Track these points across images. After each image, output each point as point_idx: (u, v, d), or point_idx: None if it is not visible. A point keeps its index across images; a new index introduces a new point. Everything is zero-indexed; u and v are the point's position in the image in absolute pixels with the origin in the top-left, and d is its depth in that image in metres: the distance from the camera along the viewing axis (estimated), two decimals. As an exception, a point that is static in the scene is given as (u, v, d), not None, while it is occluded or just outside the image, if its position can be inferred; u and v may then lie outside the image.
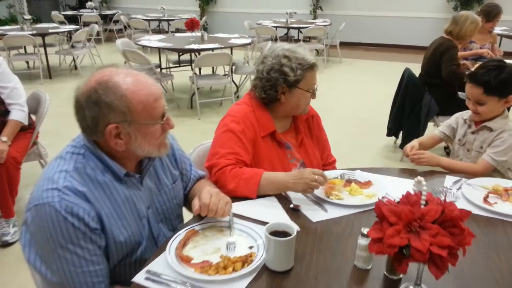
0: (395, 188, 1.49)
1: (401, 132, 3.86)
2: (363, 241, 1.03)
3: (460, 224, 0.84)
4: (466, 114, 1.88)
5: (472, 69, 1.85)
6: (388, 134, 3.95)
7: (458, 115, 1.94)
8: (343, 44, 8.74)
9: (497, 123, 1.73)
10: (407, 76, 3.60)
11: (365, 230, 1.01)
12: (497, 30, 5.07)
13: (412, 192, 0.92)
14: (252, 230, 1.19)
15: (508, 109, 1.97)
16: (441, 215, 0.84)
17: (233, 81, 5.66)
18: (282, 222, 1.08)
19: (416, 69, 3.77)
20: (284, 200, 1.42)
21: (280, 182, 1.41)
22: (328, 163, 1.86)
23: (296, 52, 1.56)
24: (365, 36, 9.71)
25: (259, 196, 1.41)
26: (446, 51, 3.41)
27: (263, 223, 1.14)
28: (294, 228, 1.07)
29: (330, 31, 8.30)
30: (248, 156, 1.53)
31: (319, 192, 1.41)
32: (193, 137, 4.23)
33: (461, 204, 1.34)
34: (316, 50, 8.41)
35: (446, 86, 3.54)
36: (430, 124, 3.67)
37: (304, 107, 1.65)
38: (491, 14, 4.07)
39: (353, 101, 5.61)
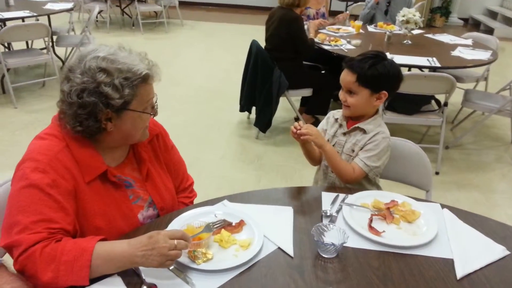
0: (273, 224, 1.21)
1: (254, 108, 3.69)
2: None
3: None
4: (338, 113, 1.68)
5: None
6: (241, 110, 3.75)
7: (330, 113, 1.72)
8: (183, 4, 8.17)
9: (370, 125, 1.57)
10: (255, 50, 3.38)
11: None
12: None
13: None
14: None
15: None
16: None
17: (56, 55, 4.70)
18: None
19: (259, 34, 3.55)
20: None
21: (123, 258, 0.98)
22: (184, 189, 1.48)
23: (117, 60, 1.09)
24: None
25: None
26: (293, 22, 3.27)
27: None
28: None
29: (167, -10, 7.64)
30: (68, 218, 1.05)
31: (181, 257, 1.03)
32: (8, 135, 3.32)
33: (349, 240, 1.12)
34: (154, 12, 7.72)
35: (295, 59, 3.45)
36: (282, 99, 3.58)
37: (142, 133, 1.20)
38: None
39: (201, 72, 5.25)
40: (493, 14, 8.45)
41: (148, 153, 1.31)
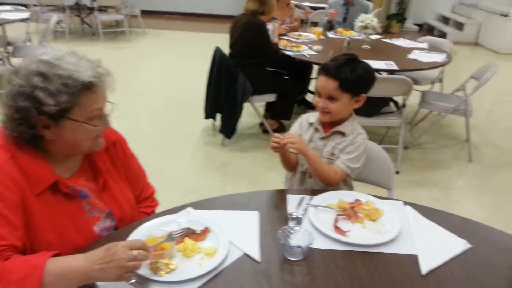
0: (239, 229, 1.19)
1: (219, 114, 3.67)
2: None
3: None
4: (311, 117, 1.63)
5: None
6: (206, 117, 3.72)
7: (302, 118, 1.67)
8: (145, 13, 8.06)
9: (348, 127, 1.57)
10: (218, 57, 3.36)
11: None
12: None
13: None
14: None
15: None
16: None
17: (12, 66, 4.49)
18: None
19: (223, 42, 3.55)
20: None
21: (79, 273, 0.93)
22: (145, 198, 1.43)
23: (60, 66, 1.03)
24: (169, 4, 9.18)
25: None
26: (258, 29, 3.29)
27: None
28: None
29: (128, -1, 7.54)
30: (16, 234, 0.98)
31: (142, 269, 0.99)
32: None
33: (315, 241, 1.12)
34: (115, 21, 7.57)
35: (258, 65, 3.46)
36: (246, 105, 3.57)
37: (90, 144, 1.13)
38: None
39: (166, 81, 5.17)
40: (445, 20, 8.85)
41: (104, 162, 1.26)
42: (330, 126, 1.58)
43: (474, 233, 1.21)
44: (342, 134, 1.56)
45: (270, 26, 3.61)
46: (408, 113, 4.06)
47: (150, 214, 1.41)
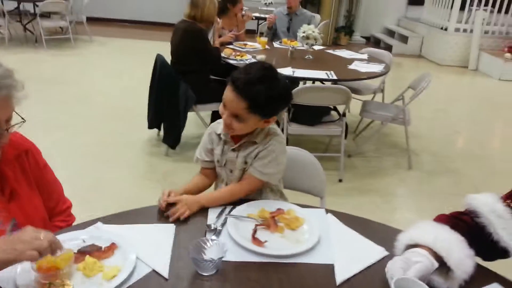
0: (151, 244, 1.12)
1: (163, 124, 3.57)
2: None
3: None
4: (218, 127, 1.46)
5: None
6: (150, 127, 3.61)
7: (210, 129, 1.50)
8: (92, 20, 7.81)
9: (260, 136, 1.43)
10: (159, 64, 3.28)
11: None
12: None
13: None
14: None
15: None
16: None
17: None
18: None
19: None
20: None
21: None
22: (60, 212, 1.33)
23: None
24: (117, 11, 8.96)
25: None
26: (197, 35, 3.24)
27: None
28: None
29: (74, 5, 7.28)
30: None
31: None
32: None
33: (228, 254, 1.07)
34: (60, 27, 7.28)
35: (200, 72, 3.41)
36: (191, 114, 3.50)
37: None
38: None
39: (111, 88, 5.01)
40: (391, 33, 9.23)
41: (14, 171, 1.17)
42: (239, 137, 1.43)
43: (393, 240, 1.20)
44: (254, 143, 1.42)
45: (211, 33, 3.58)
46: (352, 122, 4.15)
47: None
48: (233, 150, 1.45)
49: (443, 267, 1.01)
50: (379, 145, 3.98)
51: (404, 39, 8.60)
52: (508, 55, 6.93)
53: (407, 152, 3.79)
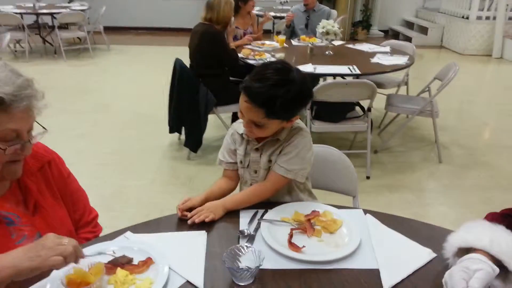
0: (183, 253, 1.06)
1: (184, 128, 3.54)
2: None
3: None
4: (239, 126, 1.40)
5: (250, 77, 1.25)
6: (171, 131, 3.59)
7: (232, 129, 1.44)
8: (109, 29, 7.91)
9: (285, 133, 1.36)
10: (179, 69, 3.25)
11: None
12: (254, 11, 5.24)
13: None
14: None
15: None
16: None
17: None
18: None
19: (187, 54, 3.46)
20: None
21: (6, 269, 0.85)
22: (87, 223, 1.29)
23: None
24: (133, 19, 9.04)
25: None
26: (215, 38, 3.20)
27: None
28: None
29: (91, 15, 7.39)
30: None
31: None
32: None
33: (264, 261, 1.00)
34: (78, 38, 7.37)
35: (220, 75, 3.37)
36: (211, 116, 3.46)
37: (6, 168, 1.01)
38: (246, -3, 4.09)
39: (130, 95, 5.03)
40: (409, 25, 9.02)
41: (37, 183, 1.14)
42: (262, 136, 1.36)
43: (438, 240, 1.12)
44: (277, 140, 1.35)
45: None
46: (377, 117, 4.04)
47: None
48: (257, 149, 1.38)
49: (501, 270, 0.92)
50: (406, 140, 3.85)
51: (423, 30, 8.39)
52: (534, 40, 6.67)
53: (435, 145, 3.66)
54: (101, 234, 1.18)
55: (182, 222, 1.22)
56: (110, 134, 3.89)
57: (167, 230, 1.18)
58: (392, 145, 3.72)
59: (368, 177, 3.12)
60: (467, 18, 7.46)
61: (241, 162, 1.42)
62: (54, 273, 0.96)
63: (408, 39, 8.15)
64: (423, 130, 4.05)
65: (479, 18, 7.34)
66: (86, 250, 1.03)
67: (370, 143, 3.13)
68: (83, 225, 1.30)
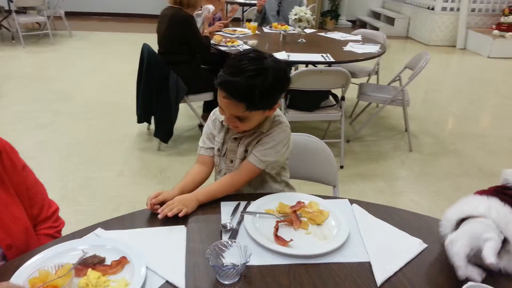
0: (162, 250, 0.98)
1: (153, 117, 3.40)
2: None
3: None
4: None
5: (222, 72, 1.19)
6: (139, 121, 3.43)
7: (214, 115, 1.39)
8: (71, 15, 7.52)
9: (267, 126, 1.32)
10: (146, 54, 3.09)
11: None
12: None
13: None
14: None
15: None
16: None
17: None
18: None
19: (155, 41, 3.31)
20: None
21: None
22: (46, 218, 1.18)
23: None
24: (96, 4, 8.65)
25: None
26: (185, 22, 3.06)
27: None
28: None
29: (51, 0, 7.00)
30: None
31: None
32: None
33: (252, 258, 0.93)
34: (37, 23, 6.97)
35: (190, 61, 3.25)
36: (183, 106, 3.34)
37: None
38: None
39: (95, 83, 4.79)
40: (377, 15, 9.12)
41: None
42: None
43: (428, 230, 1.09)
44: (260, 132, 1.31)
45: (199, 18, 3.40)
46: (347, 107, 4.04)
47: (56, 236, 1.19)
48: (235, 139, 1.35)
49: None
50: (377, 129, 3.88)
51: (390, 21, 8.51)
52: (496, 32, 6.89)
53: (405, 134, 3.71)
54: (68, 231, 1.07)
55: (156, 217, 1.13)
56: (73, 124, 3.69)
57: (142, 225, 1.09)
58: (364, 134, 3.73)
59: (342, 167, 3.11)
60: (433, 9, 7.61)
61: (218, 150, 1.37)
62: (15, 277, 0.86)
63: (375, 29, 8.22)
64: (393, 120, 4.09)
65: (444, 9, 7.50)
66: (52, 250, 0.93)
67: (344, 132, 3.12)
68: (42, 221, 1.19)
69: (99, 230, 1.04)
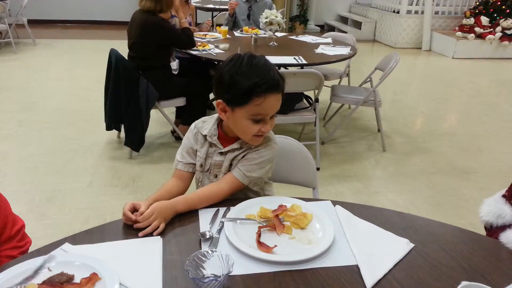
0: (136, 265, 0.91)
1: (123, 125, 3.28)
2: None
3: None
4: (203, 126, 1.32)
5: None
6: (108, 129, 3.31)
7: (195, 128, 1.34)
8: (34, 23, 7.26)
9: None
10: (115, 60, 2.99)
11: None
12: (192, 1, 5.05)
13: None
14: None
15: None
16: None
17: None
18: None
19: (123, 47, 3.21)
20: None
21: None
22: (10, 237, 1.08)
23: None
24: (60, 12, 8.39)
25: None
26: (158, 28, 2.97)
27: None
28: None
29: (12, 7, 6.71)
30: None
31: None
32: None
33: (235, 268, 0.88)
34: (-2, 31, 6.69)
35: (162, 67, 3.16)
36: (154, 112, 3.25)
37: None
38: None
39: (60, 92, 4.62)
40: (344, 20, 9.27)
41: None
42: (231, 139, 1.29)
43: (413, 229, 1.07)
44: (245, 145, 1.28)
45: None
46: (320, 109, 4.03)
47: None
48: (221, 153, 1.29)
49: None
50: (350, 130, 3.90)
51: (357, 24, 8.65)
52: (459, 33, 7.12)
53: (378, 134, 3.74)
54: (33, 247, 0.98)
55: (131, 228, 1.05)
56: (38, 134, 3.52)
57: (114, 238, 1.01)
58: (338, 136, 3.74)
59: (318, 169, 3.10)
60: (398, 12, 7.79)
61: (201, 165, 1.31)
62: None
63: (344, 33, 8.36)
64: (365, 120, 4.13)
65: (408, 12, 7.69)
66: (14, 269, 0.84)
67: (319, 134, 3.10)
68: (5, 241, 1.09)
69: (67, 245, 0.95)
